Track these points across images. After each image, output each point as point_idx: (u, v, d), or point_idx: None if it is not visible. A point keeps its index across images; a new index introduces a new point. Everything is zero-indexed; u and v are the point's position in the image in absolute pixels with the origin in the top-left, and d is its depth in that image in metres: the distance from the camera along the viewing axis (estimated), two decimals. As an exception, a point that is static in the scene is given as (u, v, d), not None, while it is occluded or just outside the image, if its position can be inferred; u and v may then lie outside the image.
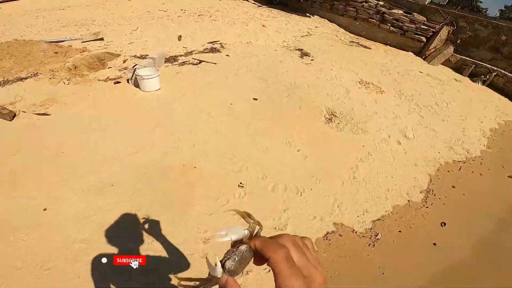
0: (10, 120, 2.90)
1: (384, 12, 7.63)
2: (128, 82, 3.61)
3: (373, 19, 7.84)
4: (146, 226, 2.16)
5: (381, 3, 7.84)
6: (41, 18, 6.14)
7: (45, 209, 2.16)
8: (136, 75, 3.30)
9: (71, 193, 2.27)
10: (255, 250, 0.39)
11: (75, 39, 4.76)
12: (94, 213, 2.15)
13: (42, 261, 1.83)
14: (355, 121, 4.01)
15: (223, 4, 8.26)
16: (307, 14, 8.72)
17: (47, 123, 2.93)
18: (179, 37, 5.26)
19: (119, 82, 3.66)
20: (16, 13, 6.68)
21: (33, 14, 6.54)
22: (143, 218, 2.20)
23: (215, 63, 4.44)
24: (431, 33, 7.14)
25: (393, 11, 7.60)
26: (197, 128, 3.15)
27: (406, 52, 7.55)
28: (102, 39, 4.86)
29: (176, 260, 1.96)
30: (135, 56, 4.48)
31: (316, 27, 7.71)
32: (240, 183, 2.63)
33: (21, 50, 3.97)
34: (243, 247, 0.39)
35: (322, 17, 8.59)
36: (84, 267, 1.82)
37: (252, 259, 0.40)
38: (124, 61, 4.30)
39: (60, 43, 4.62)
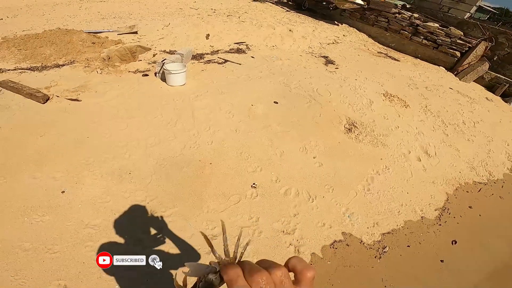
0: (43, 103, 3.09)
1: (418, 25, 7.32)
2: (155, 75, 3.74)
3: (405, 31, 7.55)
4: (158, 217, 2.20)
5: (416, 15, 7.53)
6: (84, 9, 6.56)
7: (63, 192, 2.24)
8: (164, 69, 3.41)
9: (91, 178, 2.36)
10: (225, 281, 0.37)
11: (112, 31, 5.02)
12: (110, 199, 2.22)
13: (51, 244, 1.89)
14: (375, 134, 3.87)
15: (252, 7, 8.34)
16: (336, 22, 8.58)
17: (77, 108, 3.09)
18: (207, 36, 5.37)
19: (147, 75, 3.80)
20: (61, 2, 7.18)
21: (76, 5, 7.00)
22: (156, 209, 2.24)
23: (240, 64, 4.48)
24: (467, 48, 6.74)
25: (428, 23, 7.27)
26: (217, 126, 3.19)
27: (437, 66, 7.20)
28: (136, 32, 5.09)
29: (182, 253, 1.98)
30: (164, 51, 4.63)
31: (344, 35, 7.56)
32: (254, 183, 2.63)
33: (62, 38, 4.25)
34: (211, 277, 0.40)
35: (351, 26, 8.40)
36: (90, 253, 1.86)
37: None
38: (154, 55, 4.46)
39: (98, 34, 4.90)
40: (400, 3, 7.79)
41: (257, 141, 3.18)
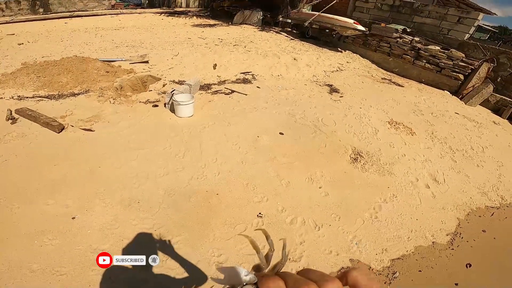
0: (58, 132, 3.31)
1: (419, 49, 7.64)
2: (165, 106, 3.98)
3: (407, 55, 7.88)
4: (164, 243, 2.30)
5: (417, 38, 7.90)
6: (99, 37, 7.11)
7: (73, 218, 2.38)
8: (173, 100, 3.64)
9: (101, 206, 2.51)
10: None
11: (125, 60, 5.41)
12: (118, 226, 2.35)
13: (58, 266, 1.99)
14: (381, 162, 3.96)
15: (257, 35, 8.89)
16: (339, 48, 9.03)
17: (90, 139, 3.30)
18: (214, 66, 5.73)
19: (157, 106, 4.05)
20: (79, 29, 7.81)
21: (93, 32, 7.61)
22: (163, 236, 2.34)
23: (246, 94, 4.73)
24: (470, 71, 6.95)
25: (429, 47, 7.58)
26: (223, 157, 3.33)
27: (441, 90, 7.38)
28: (147, 62, 5.47)
29: (190, 276, 2.07)
30: (173, 81, 4.94)
31: (347, 62, 7.92)
32: (259, 213, 2.72)
33: (78, 66, 4.61)
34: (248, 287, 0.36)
35: (354, 52, 8.82)
36: (97, 276, 1.95)
37: None
38: (164, 85, 4.76)
39: (112, 62, 5.28)
40: (400, 27, 8.21)
41: (263, 172, 3.30)
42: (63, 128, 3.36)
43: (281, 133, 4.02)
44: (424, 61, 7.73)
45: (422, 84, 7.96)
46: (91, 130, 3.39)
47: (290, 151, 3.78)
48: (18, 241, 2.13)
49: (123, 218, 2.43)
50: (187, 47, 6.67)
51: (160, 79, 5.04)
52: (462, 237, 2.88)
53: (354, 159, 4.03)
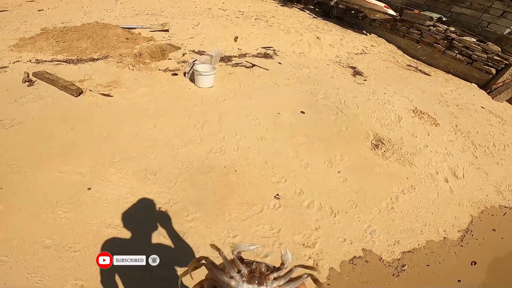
0: (76, 96, 3.13)
1: (453, 39, 6.88)
2: (184, 75, 3.71)
3: (439, 44, 7.12)
4: (179, 221, 2.15)
5: (452, 28, 7.09)
6: (119, 4, 6.70)
7: (89, 189, 2.22)
8: (194, 70, 3.37)
9: (117, 176, 2.35)
10: None
11: (145, 28, 5.07)
12: (134, 200, 2.19)
13: (72, 243, 1.85)
14: (403, 152, 3.65)
15: (279, 11, 8.20)
16: (364, 31, 8.26)
17: (108, 104, 3.11)
18: (235, 38, 5.31)
19: (176, 74, 3.78)
20: (99, -4, 7.39)
21: None
22: (178, 213, 2.19)
23: (267, 69, 4.37)
24: (503, 65, 6.24)
25: (464, 38, 6.81)
26: (243, 132, 3.10)
27: (469, 83, 6.73)
28: (167, 30, 5.11)
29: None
30: (193, 51, 4.61)
31: (372, 46, 7.25)
32: (277, 194, 2.55)
33: (98, 32, 4.34)
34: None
35: (380, 36, 8.05)
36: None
37: None
38: (183, 55, 4.45)
39: (132, 29, 4.96)
40: (436, 15, 7.35)
41: (283, 151, 3.07)
42: (81, 92, 3.17)
43: (302, 112, 3.72)
44: (456, 51, 6.94)
45: (450, 74, 7.25)
46: (109, 96, 3.19)
47: (310, 131, 3.50)
48: (32, 213, 1.98)
49: (139, 191, 2.28)
50: (208, 18, 6.20)
51: (180, 48, 4.72)
52: (472, 235, 2.74)
53: (375, 146, 3.72)
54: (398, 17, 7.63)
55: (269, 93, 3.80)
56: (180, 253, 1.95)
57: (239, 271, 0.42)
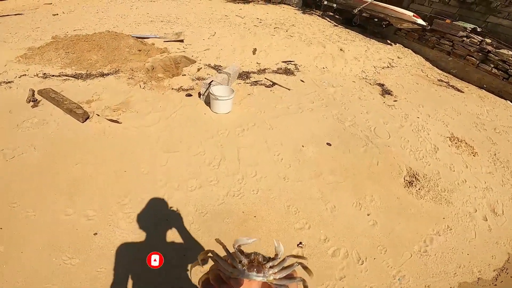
0: (83, 122, 2.77)
1: (489, 51, 6.12)
2: (199, 96, 3.28)
3: (472, 57, 6.36)
4: (194, 272, 1.85)
5: (488, 40, 6.31)
6: (134, 8, 6.34)
7: (95, 234, 1.92)
8: (210, 93, 2.93)
9: (125, 221, 2.02)
10: None
11: (159, 37, 4.68)
12: (144, 247, 1.89)
13: None
14: (439, 189, 3.10)
15: (299, 19, 7.60)
16: (388, 41, 7.57)
17: (116, 132, 2.71)
18: (254, 51, 4.83)
19: (191, 95, 3.35)
20: (115, 0, 7.07)
21: (128, 4, 6.83)
22: (193, 262, 1.83)
23: (289, 89, 3.88)
24: None
25: (501, 50, 6.05)
26: (263, 171, 2.65)
27: (504, 100, 5.99)
28: (182, 41, 4.69)
29: None
30: (209, 66, 4.17)
31: (398, 57, 6.58)
32: (300, 243, 2.17)
33: (110, 43, 3.97)
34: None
35: (406, 47, 7.34)
36: None
37: None
38: (198, 70, 4.02)
39: (145, 39, 4.58)
40: (470, 26, 6.59)
41: (307, 192, 2.60)
42: (87, 117, 2.79)
43: (328, 144, 3.22)
44: (492, 65, 6.15)
45: (483, 90, 6.50)
46: (118, 122, 2.80)
47: (337, 167, 2.99)
48: (35, 257, 1.75)
49: (150, 238, 1.95)
50: (225, 26, 5.74)
51: (195, 61, 4.29)
52: (507, 272, 2.38)
53: (409, 183, 3.18)
54: (428, 27, 6.91)
55: (292, 121, 3.30)
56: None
57: (240, 262, 0.46)
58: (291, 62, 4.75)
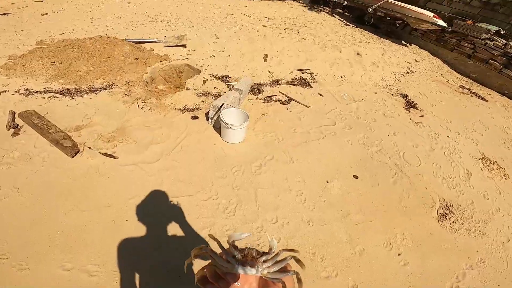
0: (72, 157, 2.25)
1: (514, 56, 5.55)
2: (207, 119, 2.75)
3: (495, 61, 5.78)
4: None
5: (513, 44, 5.72)
6: (132, 7, 5.60)
7: None
8: (221, 121, 2.41)
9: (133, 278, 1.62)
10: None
11: (158, 42, 4.06)
12: None
13: None
14: (473, 220, 2.68)
15: (308, 17, 6.89)
16: (403, 41, 6.93)
17: (113, 171, 2.19)
18: (265, 57, 4.24)
19: (197, 118, 2.81)
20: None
21: (125, 1, 6.08)
22: None
23: (307, 106, 3.34)
24: None
25: (526, 57, 5.48)
26: (285, 215, 2.17)
27: (527, 109, 5.49)
28: (185, 46, 4.08)
29: None
30: (216, 76, 3.60)
31: (416, 60, 5.99)
32: None
33: (102, 50, 3.36)
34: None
35: (422, 48, 6.71)
36: None
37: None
38: (204, 82, 3.46)
39: (143, 44, 3.97)
40: (493, 28, 5.96)
41: (334, 236, 2.17)
42: (77, 152, 2.26)
43: (355, 176, 2.73)
44: (517, 70, 5.66)
45: (505, 97, 5.98)
46: (113, 157, 2.27)
47: (366, 204, 2.51)
48: None
49: None
50: (231, 27, 5.09)
51: (200, 71, 3.71)
52: None
53: (443, 216, 2.73)
54: (450, 29, 6.27)
55: (315, 150, 2.78)
56: None
57: (234, 256, 0.45)
58: (306, 71, 4.18)
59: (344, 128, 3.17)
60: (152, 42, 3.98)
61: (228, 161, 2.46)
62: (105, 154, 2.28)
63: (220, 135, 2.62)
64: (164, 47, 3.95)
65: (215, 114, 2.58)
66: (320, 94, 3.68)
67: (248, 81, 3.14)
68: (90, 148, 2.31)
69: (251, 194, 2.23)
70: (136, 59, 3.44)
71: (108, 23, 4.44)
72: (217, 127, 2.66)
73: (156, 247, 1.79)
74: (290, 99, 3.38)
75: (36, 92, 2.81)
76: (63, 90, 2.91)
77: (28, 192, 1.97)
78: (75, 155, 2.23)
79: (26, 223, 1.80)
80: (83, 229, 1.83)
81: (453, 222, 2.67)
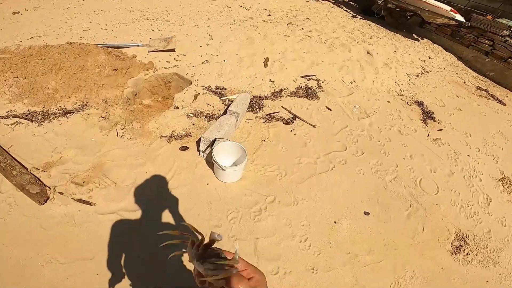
0: (42, 205, 1.84)
1: (537, 55, 4.92)
2: (198, 151, 2.28)
3: (515, 60, 5.18)
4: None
5: (537, 41, 5.05)
6: (116, 1, 4.82)
7: None
8: (215, 162, 1.94)
9: None
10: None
11: (142, 46, 3.44)
12: None
13: None
14: (488, 250, 2.39)
15: (312, 9, 6.05)
16: (414, 35, 6.20)
17: (90, 219, 1.78)
18: (266, 62, 3.64)
19: (187, 148, 2.32)
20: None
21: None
22: None
23: (314, 126, 2.84)
24: None
25: (551, 55, 4.86)
26: (287, 264, 1.78)
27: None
28: (173, 50, 3.46)
29: None
30: (209, 89, 3.06)
31: (429, 57, 5.34)
32: None
33: (73, 62, 2.77)
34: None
35: (435, 43, 6.00)
36: None
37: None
38: (196, 97, 2.92)
39: (123, 49, 3.36)
40: (516, 23, 5.25)
41: (339, 281, 1.84)
42: (47, 199, 1.83)
43: (366, 213, 2.30)
44: (538, 69, 5.05)
45: (523, 99, 5.45)
46: (90, 204, 1.83)
47: (376, 243, 2.14)
48: None
49: None
50: (227, 24, 4.39)
51: (191, 82, 3.15)
52: None
53: (457, 248, 2.37)
54: (468, 24, 5.52)
55: (322, 186, 2.32)
56: None
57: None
58: (312, 77, 3.61)
59: (355, 153, 2.70)
60: (134, 46, 3.37)
61: (224, 206, 2.02)
62: (80, 201, 1.84)
63: (213, 172, 2.16)
64: (148, 52, 3.34)
65: (206, 148, 2.11)
66: (328, 108, 3.15)
67: (245, 98, 2.61)
68: (61, 193, 1.87)
69: (250, 245, 1.82)
70: (115, 70, 2.87)
71: (86, 23, 3.77)
72: (210, 161, 2.19)
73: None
74: (294, 117, 2.88)
75: (-3, 117, 2.31)
76: (29, 114, 2.39)
77: (0, 243, 1.63)
78: (45, 202, 1.80)
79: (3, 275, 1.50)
80: (64, 284, 1.51)
81: (467, 254, 2.35)
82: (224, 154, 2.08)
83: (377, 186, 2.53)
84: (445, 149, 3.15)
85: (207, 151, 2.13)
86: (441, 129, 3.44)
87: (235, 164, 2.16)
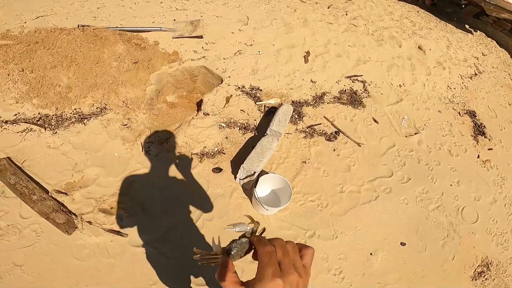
0: (69, 235, 1.55)
1: None
2: (234, 177, 1.89)
3: None
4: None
5: None
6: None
7: None
8: (257, 199, 1.56)
9: None
10: (252, 243, 0.46)
11: (165, 30, 2.77)
12: None
13: None
14: (505, 275, 2.27)
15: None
16: (466, 25, 5.06)
17: (124, 251, 1.55)
18: (306, 56, 2.94)
19: (220, 170, 1.94)
20: None
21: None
22: None
23: (359, 144, 2.35)
24: None
25: None
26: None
27: None
28: (201, 37, 2.79)
29: None
30: (242, 90, 2.49)
31: (483, 54, 4.40)
32: None
33: (86, 53, 2.20)
34: (244, 239, 0.48)
35: (490, 36, 4.92)
36: None
37: (251, 252, 0.46)
38: (228, 100, 2.40)
39: (143, 33, 2.71)
40: None
41: None
42: (75, 229, 1.56)
43: (402, 244, 2.02)
44: None
45: None
46: (121, 235, 1.58)
47: (406, 273, 1.95)
48: None
49: None
50: (261, 4, 3.48)
51: (222, 79, 2.59)
52: None
53: (479, 274, 2.20)
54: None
55: (364, 217, 1.98)
56: None
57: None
58: (357, 78, 2.96)
59: (401, 180, 2.27)
60: (157, 30, 2.71)
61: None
62: (111, 231, 1.58)
63: (251, 202, 1.83)
64: (173, 38, 2.70)
65: (245, 178, 1.73)
66: (375, 120, 2.61)
67: (287, 112, 2.10)
68: (90, 223, 1.60)
69: None
70: (135, 63, 2.31)
71: (97, 6, 3.01)
72: (247, 188, 1.84)
73: None
74: (338, 132, 2.39)
75: (6, 122, 1.91)
76: (41, 118, 1.98)
77: (33, 271, 1.46)
78: (72, 232, 1.55)
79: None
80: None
81: (484, 279, 2.19)
82: (265, 188, 1.72)
83: (419, 216, 2.19)
84: (493, 174, 2.69)
85: (245, 180, 1.76)
86: (491, 148, 2.92)
87: (276, 195, 1.81)
